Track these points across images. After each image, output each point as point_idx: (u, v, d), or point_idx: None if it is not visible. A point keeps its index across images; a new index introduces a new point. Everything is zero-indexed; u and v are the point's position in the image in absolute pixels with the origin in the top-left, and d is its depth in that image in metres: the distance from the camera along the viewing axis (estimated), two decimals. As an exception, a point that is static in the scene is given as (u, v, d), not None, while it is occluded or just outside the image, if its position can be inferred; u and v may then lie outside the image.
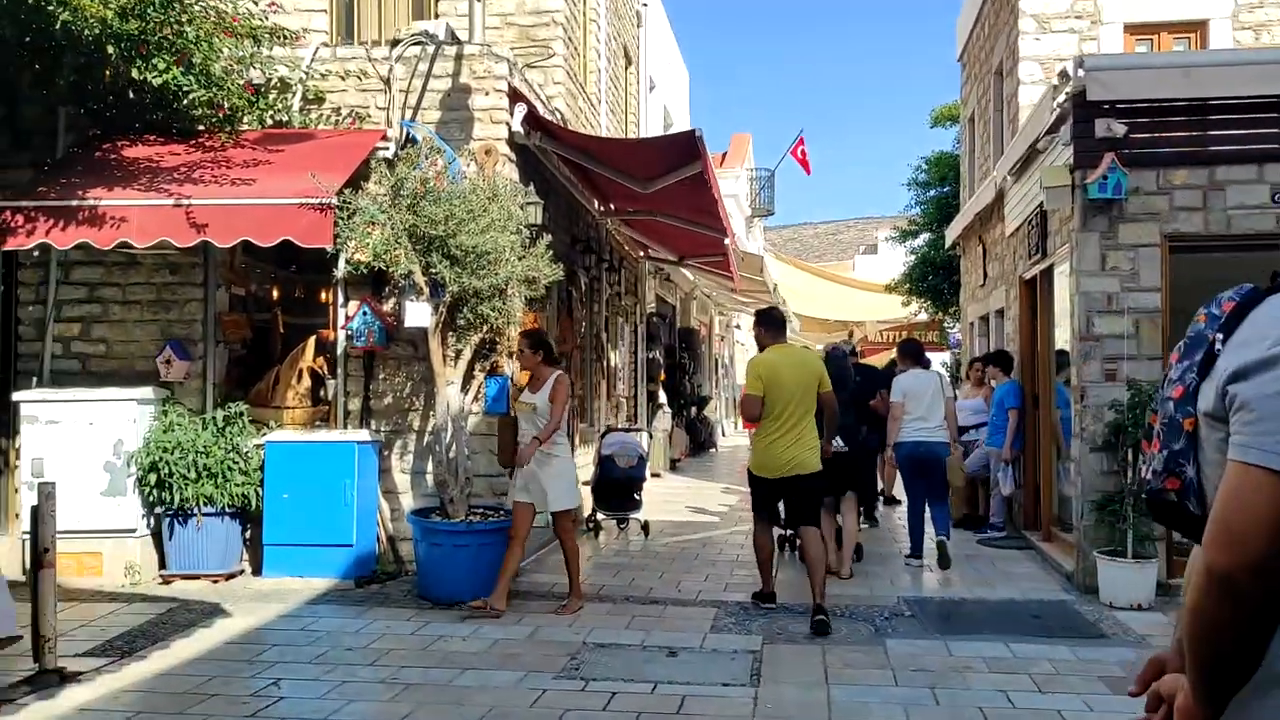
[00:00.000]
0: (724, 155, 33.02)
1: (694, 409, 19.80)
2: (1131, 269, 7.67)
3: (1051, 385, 9.63)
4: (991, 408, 10.71)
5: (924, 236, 18.92)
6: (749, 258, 17.04)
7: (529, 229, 8.25)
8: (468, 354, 7.70)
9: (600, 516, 10.58)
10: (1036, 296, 9.77)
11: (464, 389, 7.89)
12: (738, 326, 33.86)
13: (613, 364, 14.11)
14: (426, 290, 7.37)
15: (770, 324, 7.35)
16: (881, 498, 11.81)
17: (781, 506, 7.37)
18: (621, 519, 10.77)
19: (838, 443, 7.83)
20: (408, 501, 8.35)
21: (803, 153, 33.70)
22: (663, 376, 12.84)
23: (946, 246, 16.23)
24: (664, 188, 9.47)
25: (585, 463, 11.49)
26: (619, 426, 12.46)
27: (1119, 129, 7.55)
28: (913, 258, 19.14)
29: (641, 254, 15.71)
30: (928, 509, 9.01)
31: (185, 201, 7.08)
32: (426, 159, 7.38)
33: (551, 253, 7.81)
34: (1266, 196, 7.47)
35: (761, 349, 7.30)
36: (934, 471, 8.75)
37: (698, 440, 19.73)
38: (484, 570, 7.27)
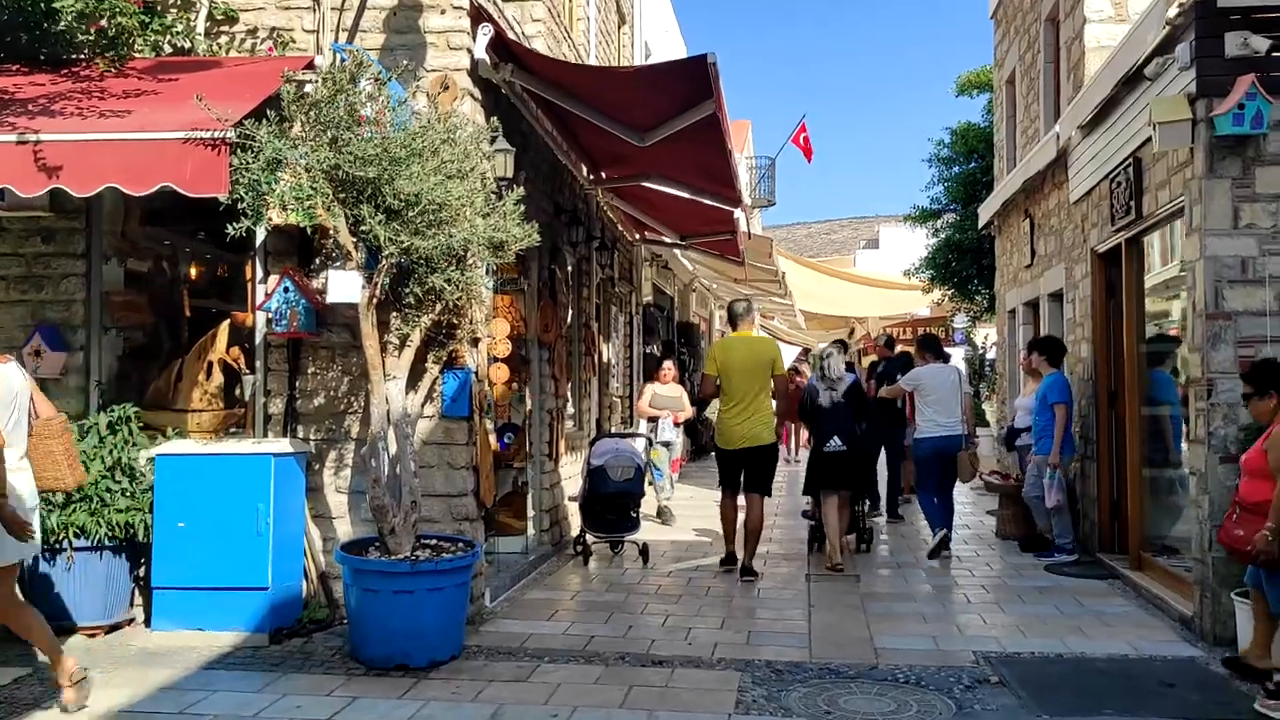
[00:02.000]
0: (723, 142, 31.40)
1: (695, 410, 18.06)
2: (1273, 226, 5.94)
3: (1140, 378, 7.89)
4: (1034, 404, 8.96)
5: (948, 217, 17.12)
6: (758, 240, 15.28)
7: (498, 183, 6.51)
8: (416, 339, 5.95)
9: (590, 539, 8.83)
10: (1121, 270, 8.02)
11: (413, 386, 6.15)
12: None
13: (605, 358, 12.36)
14: (357, 254, 5.60)
15: (729, 314, 8.65)
16: (903, 494, 11.53)
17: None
18: (616, 542, 9.02)
19: (835, 442, 8.42)
20: (345, 529, 6.58)
21: (805, 139, 32.15)
22: (672, 374, 11.20)
23: (980, 227, 14.49)
24: (665, 140, 7.72)
25: (573, 474, 9.73)
26: (611, 431, 10.75)
27: (1260, 44, 5.82)
28: (935, 240, 17.34)
29: (637, 236, 13.95)
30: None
31: (33, 138, 5.30)
32: (361, 87, 5.59)
33: (522, 209, 6.06)
34: None
35: None
36: (950, 462, 8.89)
37: (699, 444, 17.99)
38: (433, 623, 5.52)
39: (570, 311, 10.33)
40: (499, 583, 7.40)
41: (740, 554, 8.10)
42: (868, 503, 9.76)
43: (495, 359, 7.69)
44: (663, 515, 10.89)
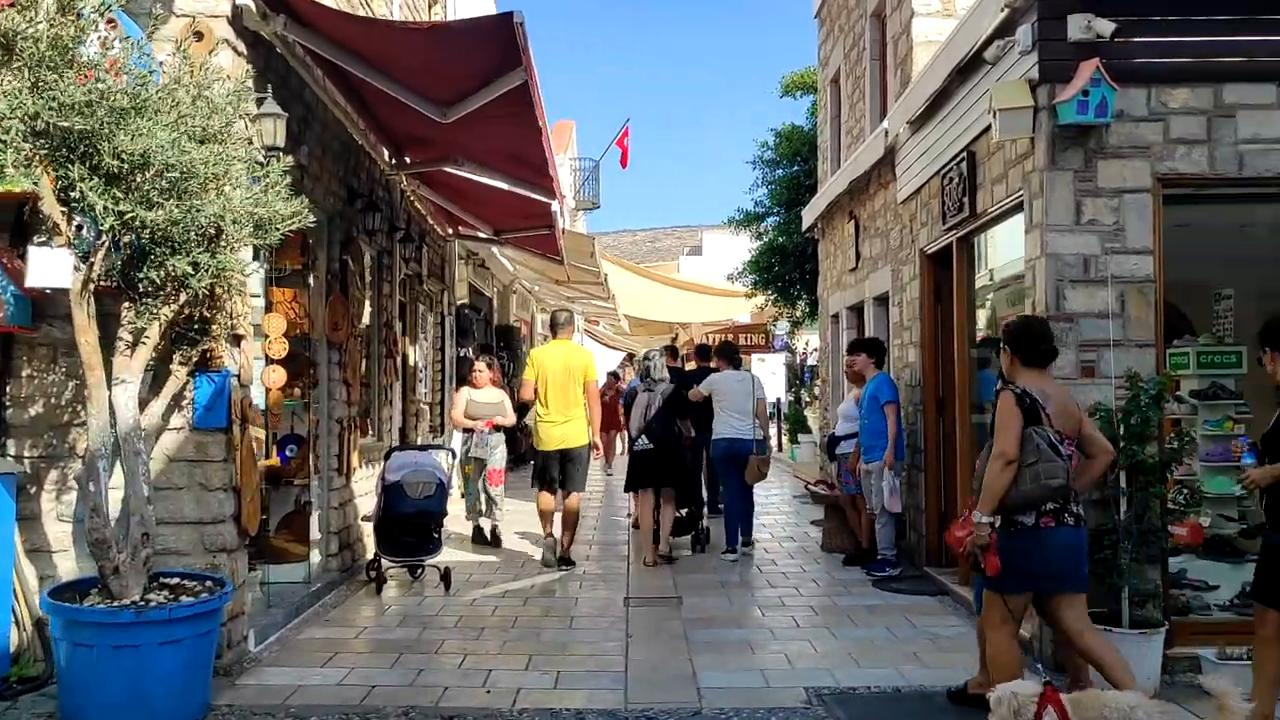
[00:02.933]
0: (546, 142, 30.71)
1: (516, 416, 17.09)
2: (1115, 223, 5.60)
3: (971, 383, 7.55)
4: (862, 408, 8.55)
5: (771, 221, 16.87)
6: (578, 239, 14.57)
7: (266, 153, 5.52)
8: (154, 336, 4.88)
9: (385, 564, 7.85)
10: (951, 271, 7.66)
11: (155, 391, 5.08)
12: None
13: (412, 361, 11.35)
14: (67, 228, 4.51)
15: (551, 322, 9.23)
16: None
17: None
18: (415, 566, 8.07)
19: (643, 441, 8.89)
20: (69, 566, 5.42)
21: (626, 144, 31.92)
22: (487, 376, 9.88)
23: (803, 230, 14.22)
24: (472, 117, 6.88)
25: (369, 490, 8.72)
26: (409, 443, 9.68)
27: (1104, 27, 5.47)
28: (758, 244, 17.06)
29: (450, 231, 12.99)
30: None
31: None
32: (83, 20, 4.50)
33: (289, 181, 5.08)
34: (1289, 126, 5.54)
35: None
36: (739, 464, 9.09)
37: (518, 453, 17.09)
38: (166, 684, 4.48)
39: (369, 309, 9.32)
40: (270, 620, 6.36)
41: (563, 547, 8.70)
42: (704, 506, 9.96)
43: (270, 360, 6.64)
44: (492, 536, 9.77)
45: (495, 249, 15.30)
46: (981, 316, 7.57)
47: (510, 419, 9.95)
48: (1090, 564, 5.29)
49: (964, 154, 6.98)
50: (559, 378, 8.52)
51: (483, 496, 9.74)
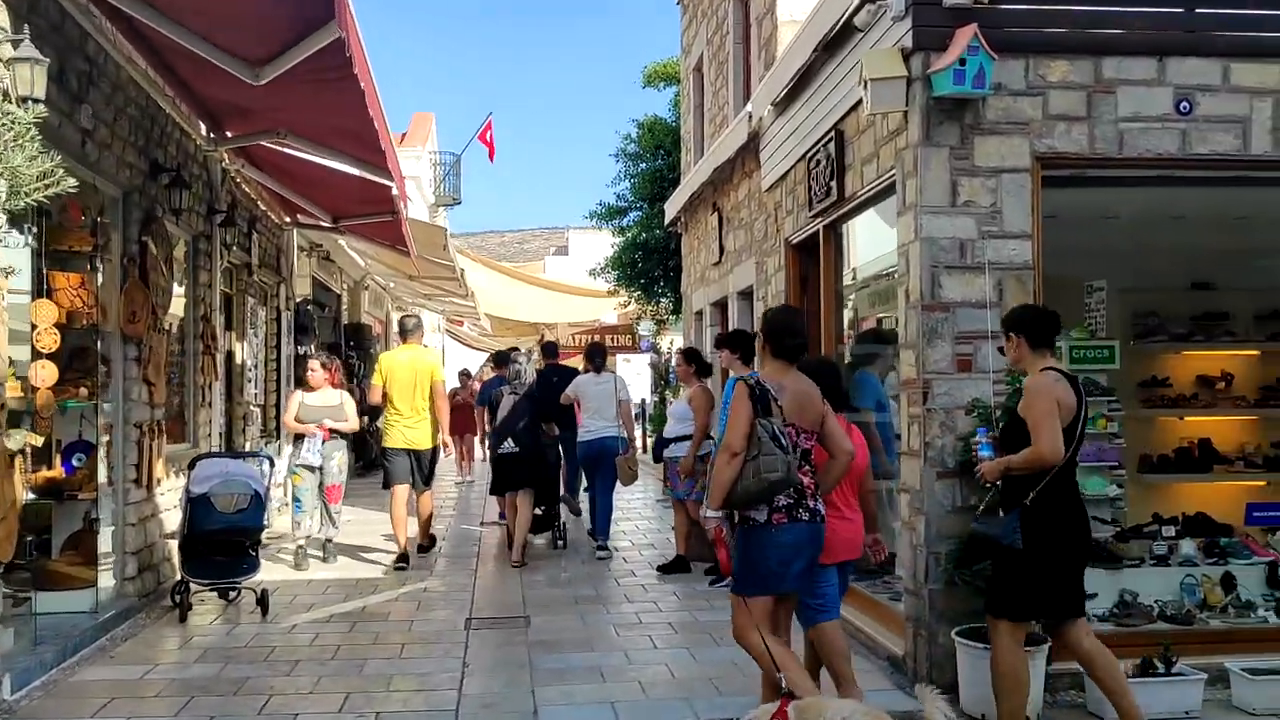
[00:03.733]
0: (404, 135, 29.65)
1: (364, 419, 16.06)
2: (993, 205, 5.16)
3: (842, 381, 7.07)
4: (724, 410, 7.94)
5: (634, 216, 16.30)
6: (429, 230, 13.73)
7: (19, 104, 4.60)
8: None
9: (194, 587, 6.91)
10: (819, 262, 7.19)
11: None
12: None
13: (239, 359, 10.32)
14: None
15: (400, 329, 9.49)
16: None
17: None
18: (227, 589, 7.15)
19: (508, 444, 8.87)
20: None
21: (490, 136, 31.14)
22: (324, 377, 8.77)
23: (665, 224, 13.70)
24: (288, 78, 6.06)
25: (175, 503, 7.72)
26: (214, 451, 8.49)
27: (981, -10, 5.03)
28: (621, 239, 16.47)
29: (288, 220, 11.96)
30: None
31: None
32: None
33: (36, 134, 4.19)
34: (1170, 104, 5.20)
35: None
36: (603, 464, 9.12)
37: (368, 458, 16.09)
38: None
39: (183, 299, 8.32)
40: (37, 660, 5.39)
41: (411, 542, 8.89)
42: (563, 506, 10.02)
43: (39, 354, 5.66)
44: (325, 552, 8.81)
45: (343, 241, 14.29)
46: (853, 309, 7.12)
47: (352, 424, 8.94)
48: (968, 576, 4.87)
49: (831, 134, 6.51)
50: (406, 382, 8.77)
51: (317, 511, 8.75)
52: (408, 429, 8.76)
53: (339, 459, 8.76)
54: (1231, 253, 7.86)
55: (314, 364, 9.06)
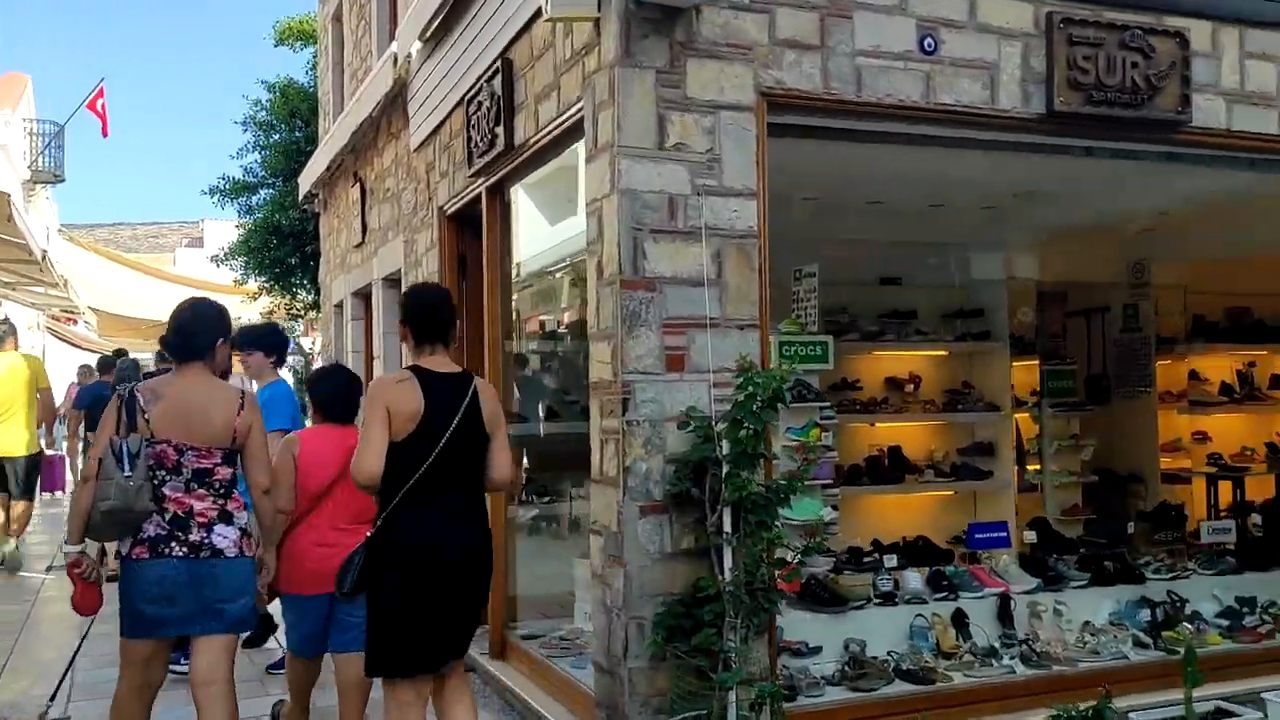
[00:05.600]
0: (-13, 96, 25.04)
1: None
2: (710, 150, 3.92)
3: (508, 388, 5.64)
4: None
5: (266, 194, 13.99)
6: (-15, 194, 10.79)
7: None
8: None
9: None
10: (483, 235, 5.67)
11: None
12: None
13: None
14: None
15: None
16: None
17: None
18: None
19: None
20: None
21: (102, 106, 27.07)
22: None
23: (299, 200, 11.66)
24: None
25: None
26: None
27: None
28: (250, 220, 14.10)
29: None
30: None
31: None
32: None
33: None
34: (914, 40, 4.20)
35: None
36: None
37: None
38: None
39: None
40: None
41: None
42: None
43: None
44: None
45: None
46: (528, 296, 5.72)
47: None
48: (685, 651, 3.58)
49: (497, 65, 5.03)
50: (6, 386, 8.32)
51: None
52: (3, 436, 8.25)
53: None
54: (919, 245, 7.36)
55: None
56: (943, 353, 7.37)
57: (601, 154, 3.91)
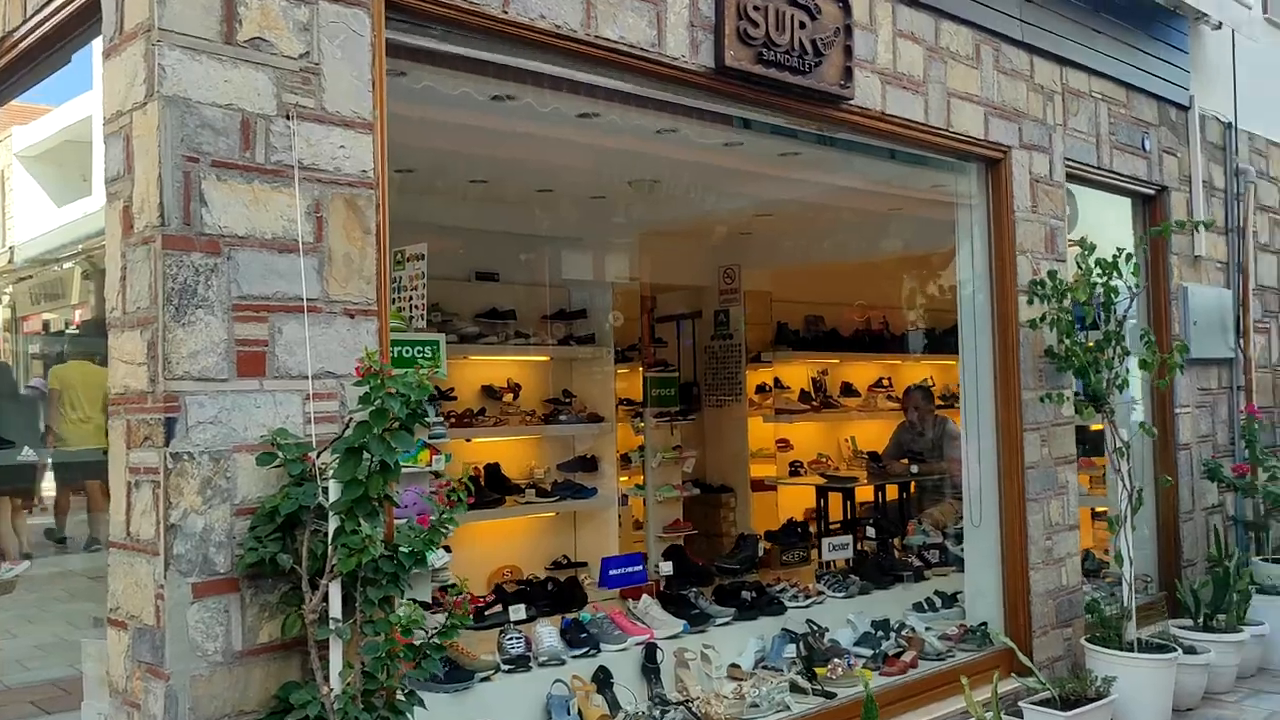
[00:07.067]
0: None
1: None
2: (306, 55, 2.66)
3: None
4: None
5: None
6: None
7: None
8: None
9: None
10: None
11: None
12: None
13: None
14: None
15: None
16: None
17: None
18: None
19: None
20: None
21: None
22: None
23: None
24: None
25: None
26: None
27: None
28: None
29: None
30: None
31: None
32: None
33: None
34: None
35: None
36: None
37: None
38: None
39: None
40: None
41: None
42: None
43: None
44: None
45: None
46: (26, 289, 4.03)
47: None
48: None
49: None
50: None
51: None
52: None
53: None
54: (519, 237, 6.56)
55: None
56: (544, 358, 6.62)
57: (131, 42, 2.52)
